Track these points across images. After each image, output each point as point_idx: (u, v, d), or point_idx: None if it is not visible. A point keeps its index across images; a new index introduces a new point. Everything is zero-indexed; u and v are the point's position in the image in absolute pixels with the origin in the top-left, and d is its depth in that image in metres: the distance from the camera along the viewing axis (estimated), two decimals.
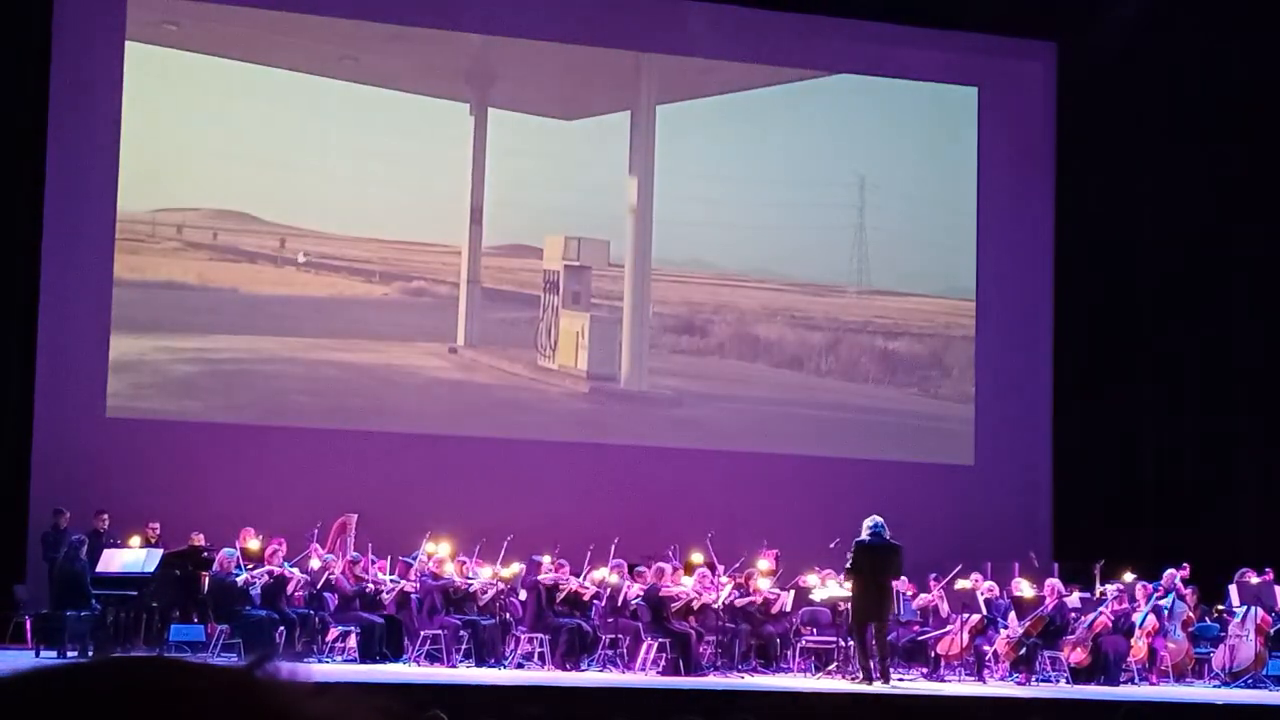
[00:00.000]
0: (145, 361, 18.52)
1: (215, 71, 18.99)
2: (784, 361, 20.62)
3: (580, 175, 19.92)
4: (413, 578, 15.81)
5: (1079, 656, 15.74)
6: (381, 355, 19.35)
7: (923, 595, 16.58)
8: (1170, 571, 16.68)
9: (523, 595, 15.80)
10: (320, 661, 14.89)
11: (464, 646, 15.34)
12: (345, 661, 15.17)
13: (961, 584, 16.42)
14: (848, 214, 20.83)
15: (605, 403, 19.93)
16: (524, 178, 19.74)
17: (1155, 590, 16.43)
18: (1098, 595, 16.62)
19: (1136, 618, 16.09)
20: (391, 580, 15.81)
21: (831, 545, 14.99)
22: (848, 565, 14.73)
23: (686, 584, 15.85)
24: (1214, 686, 15.88)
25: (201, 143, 18.90)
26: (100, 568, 15.17)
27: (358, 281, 19.45)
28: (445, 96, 19.71)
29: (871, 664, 14.47)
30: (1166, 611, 16.19)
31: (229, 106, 18.99)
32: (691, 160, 20.34)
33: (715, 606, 15.71)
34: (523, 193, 19.69)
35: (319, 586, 15.62)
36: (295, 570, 15.54)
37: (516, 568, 16.05)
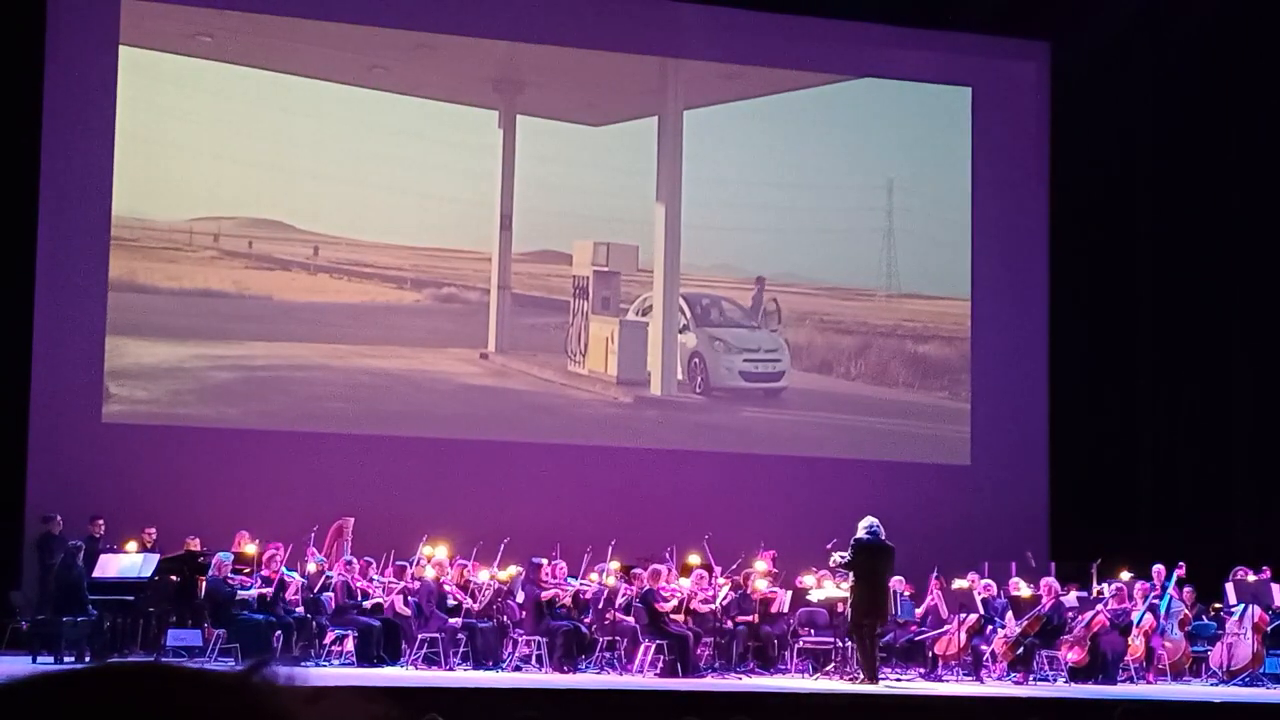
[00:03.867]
0: (141, 367, 18.50)
1: (246, 81, 18.94)
2: (813, 366, 20.62)
3: (608, 180, 19.95)
4: (409, 580, 15.80)
5: (1076, 656, 15.75)
6: (414, 361, 19.39)
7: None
8: (1159, 568, 16.70)
9: (520, 598, 15.80)
10: (317, 665, 14.89)
11: (461, 649, 15.35)
12: (342, 665, 15.16)
13: (959, 584, 16.43)
14: (863, 216, 20.83)
15: (637, 408, 19.92)
16: (553, 183, 19.78)
17: (1152, 589, 16.44)
18: (1095, 594, 16.65)
19: (1134, 616, 16.10)
20: (389, 583, 15.80)
21: (829, 546, 14.98)
22: (847, 560, 14.72)
23: (684, 585, 15.85)
24: (1211, 685, 15.89)
25: (220, 150, 18.84)
26: (97, 573, 15.15)
27: (389, 288, 19.44)
28: (474, 104, 19.74)
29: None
30: (1163, 610, 16.21)
31: (260, 116, 19.00)
32: (709, 164, 20.32)
33: (712, 608, 15.71)
34: (552, 198, 19.72)
35: (316, 590, 15.61)
36: (295, 575, 15.54)
37: (514, 570, 16.04)
